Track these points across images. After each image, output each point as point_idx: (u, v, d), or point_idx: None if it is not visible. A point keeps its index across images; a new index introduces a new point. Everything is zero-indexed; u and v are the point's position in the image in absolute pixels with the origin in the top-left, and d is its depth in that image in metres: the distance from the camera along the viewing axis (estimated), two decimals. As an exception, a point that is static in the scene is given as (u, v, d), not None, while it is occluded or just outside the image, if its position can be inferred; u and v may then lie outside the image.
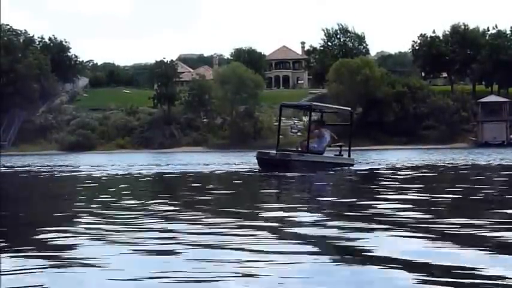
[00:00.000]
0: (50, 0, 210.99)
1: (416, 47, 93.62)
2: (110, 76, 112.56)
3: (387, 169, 18.53)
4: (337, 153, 19.92)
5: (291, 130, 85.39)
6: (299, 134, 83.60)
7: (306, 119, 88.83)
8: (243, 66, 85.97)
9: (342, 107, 23.34)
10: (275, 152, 18.64)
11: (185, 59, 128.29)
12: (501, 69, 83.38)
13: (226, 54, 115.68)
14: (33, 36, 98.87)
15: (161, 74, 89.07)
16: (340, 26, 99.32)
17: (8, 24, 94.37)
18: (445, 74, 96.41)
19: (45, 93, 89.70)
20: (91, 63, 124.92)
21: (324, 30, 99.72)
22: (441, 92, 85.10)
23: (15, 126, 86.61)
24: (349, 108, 22.74)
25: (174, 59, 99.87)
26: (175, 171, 19.44)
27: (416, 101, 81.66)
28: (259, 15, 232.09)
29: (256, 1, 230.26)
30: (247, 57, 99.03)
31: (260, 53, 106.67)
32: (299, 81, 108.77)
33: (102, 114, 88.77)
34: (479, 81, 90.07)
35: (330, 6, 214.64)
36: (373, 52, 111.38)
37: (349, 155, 19.98)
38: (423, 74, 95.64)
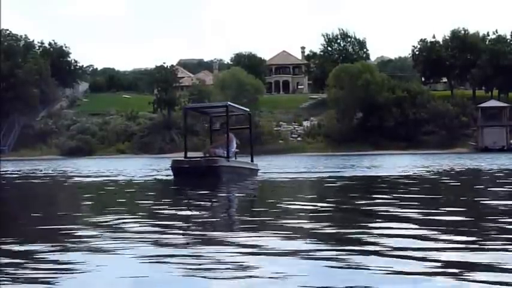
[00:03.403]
0: (50, 5, 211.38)
1: (417, 52, 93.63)
2: (109, 81, 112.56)
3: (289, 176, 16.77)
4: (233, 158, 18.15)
5: (291, 135, 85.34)
6: (299, 139, 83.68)
7: (306, 123, 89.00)
8: (243, 71, 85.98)
9: (241, 107, 20.67)
10: (199, 158, 16.72)
11: (185, 64, 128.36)
12: (501, 74, 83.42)
13: (226, 59, 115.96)
14: (33, 41, 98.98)
15: (161, 79, 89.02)
16: (341, 31, 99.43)
17: (7, 29, 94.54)
18: (445, 79, 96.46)
19: (45, 98, 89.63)
20: (91, 68, 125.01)
21: (324, 35, 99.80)
22: (441, 97, 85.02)
23: (15, 131, 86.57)
24: (248, 110, 20.65)
25: (174, 64, 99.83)
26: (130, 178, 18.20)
27: (416, 106, 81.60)
28: (259, 20, 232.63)
29: (257, 6, 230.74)
30: (247, 62, 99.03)
31: (260, 57, 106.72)
32: (299, 86, 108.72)
33: (102, 119, 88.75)
34: (479, 86, 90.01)
35: (330, 11, 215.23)
36: (373, 57, 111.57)
37: (251, 160, 18.50)
38: (423, 79, 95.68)
